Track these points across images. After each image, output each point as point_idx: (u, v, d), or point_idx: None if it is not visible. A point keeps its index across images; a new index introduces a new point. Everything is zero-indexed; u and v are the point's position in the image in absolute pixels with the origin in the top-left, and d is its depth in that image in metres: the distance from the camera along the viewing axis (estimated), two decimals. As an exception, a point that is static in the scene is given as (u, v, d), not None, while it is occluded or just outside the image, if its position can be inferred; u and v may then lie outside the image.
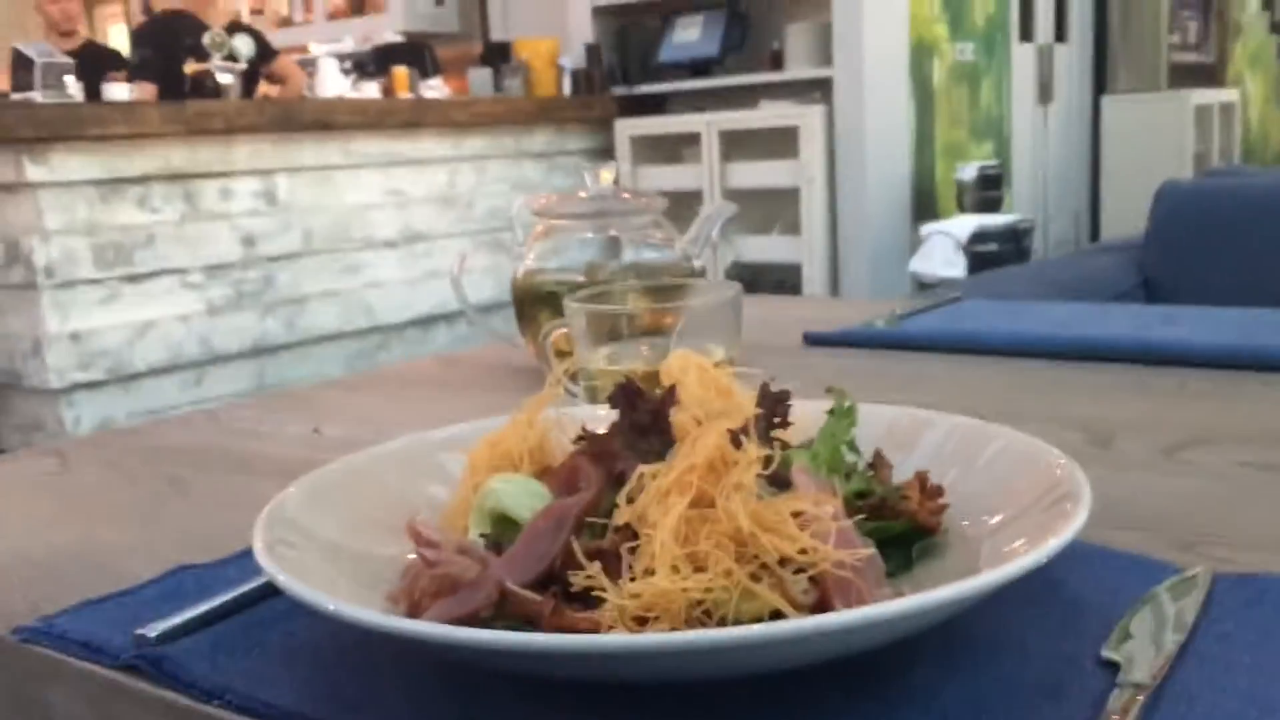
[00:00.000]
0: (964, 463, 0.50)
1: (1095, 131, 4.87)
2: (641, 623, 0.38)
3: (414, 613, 0.41)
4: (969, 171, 3.92)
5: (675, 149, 4.38)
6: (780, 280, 4.26)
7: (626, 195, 0.93)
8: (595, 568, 0.39)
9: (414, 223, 3.94)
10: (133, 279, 3.20)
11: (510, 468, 0.47)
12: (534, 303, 0.89)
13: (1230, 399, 0.74)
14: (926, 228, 3.33)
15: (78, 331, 3.08)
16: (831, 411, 0.48)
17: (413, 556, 0.44)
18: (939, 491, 0.48)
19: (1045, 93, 4.72)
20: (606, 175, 0.92)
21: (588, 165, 0.91)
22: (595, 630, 0.37)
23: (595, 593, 0.38)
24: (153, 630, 0.45)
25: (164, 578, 0.51)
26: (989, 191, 3.89)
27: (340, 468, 0.51)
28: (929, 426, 0.53)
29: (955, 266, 2.89)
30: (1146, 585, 0.45)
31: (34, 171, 2.98)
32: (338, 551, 0.46)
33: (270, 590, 0.46)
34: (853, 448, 0.48)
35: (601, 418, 0.48)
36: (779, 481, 0.43)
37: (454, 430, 0.54)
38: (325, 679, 0.42)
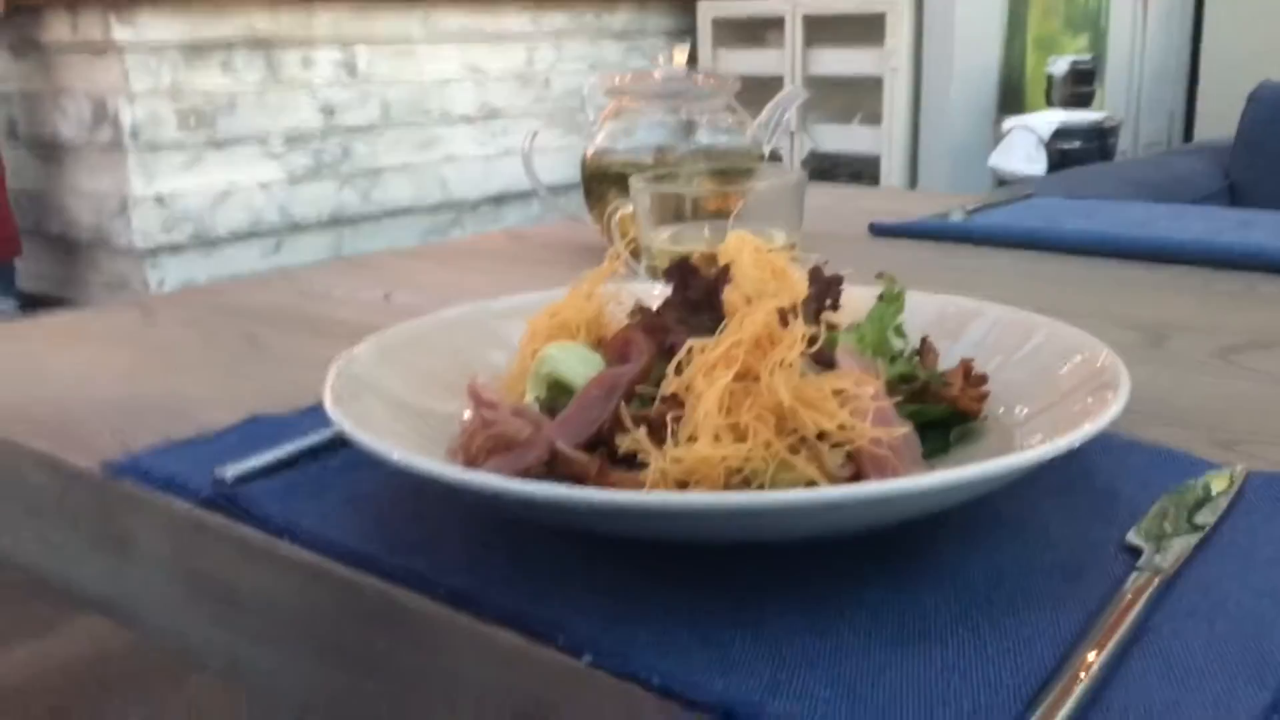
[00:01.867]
0: (1008, 352, 0.51)
1: (1197, 26, 4.67)
2: (683, 486, 0.40)
3: (471, 467, 0.44)
4: (1060, 65, 3.80)
5: (757, 32, 4.29)
6: (858, 171, 4.20)
7: (699, 77, 0.93)
8: (641, 433, 0.41)
9: (491, 99, 3.93)
10: (215, 144, 3.25)
11: (567, 336, 0.49)
12: (602, 182, 0.90)
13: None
14: (1009, 122, 3.25)
15: (161, 194, 3.15)
16: (881, 296, 0.49)
17: (471, 415, 0.47)
18: (982, 379, 0.49)
19: (1147, -15, 4.53)
20: (679, 56, 0.92)
21: (664, 46, 0.91)
22: (637, 490, 0.40)
23: (640, 456, 0.40)
24: (229, 471, 0.48)
25: (241, 425, 0.55)
26: (1080, 87, 3.77)
27: (407, 329, 0.53)
28: (977, 316, 0.54)
29: (1036, 163, 2.83)
30: (1180, 479, 0.47)
31: (120, 32, 3.02)
32: (402, 407, 0.48)
33: (338, 441, 0.49)
34: (899, 333, 0.49)
35: (657, 293, 0.50)
36: (824, 360, 0.44)
37: (517, 300, 0.56)
38: (384, 523, 0.45)
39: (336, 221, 3.58)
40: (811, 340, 0.43)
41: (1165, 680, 0.34)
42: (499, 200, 3.98)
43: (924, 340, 0.51)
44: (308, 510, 0.46)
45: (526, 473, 0.42)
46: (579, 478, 0.41)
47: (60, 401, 0.60)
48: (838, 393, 0.41)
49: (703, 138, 0.90)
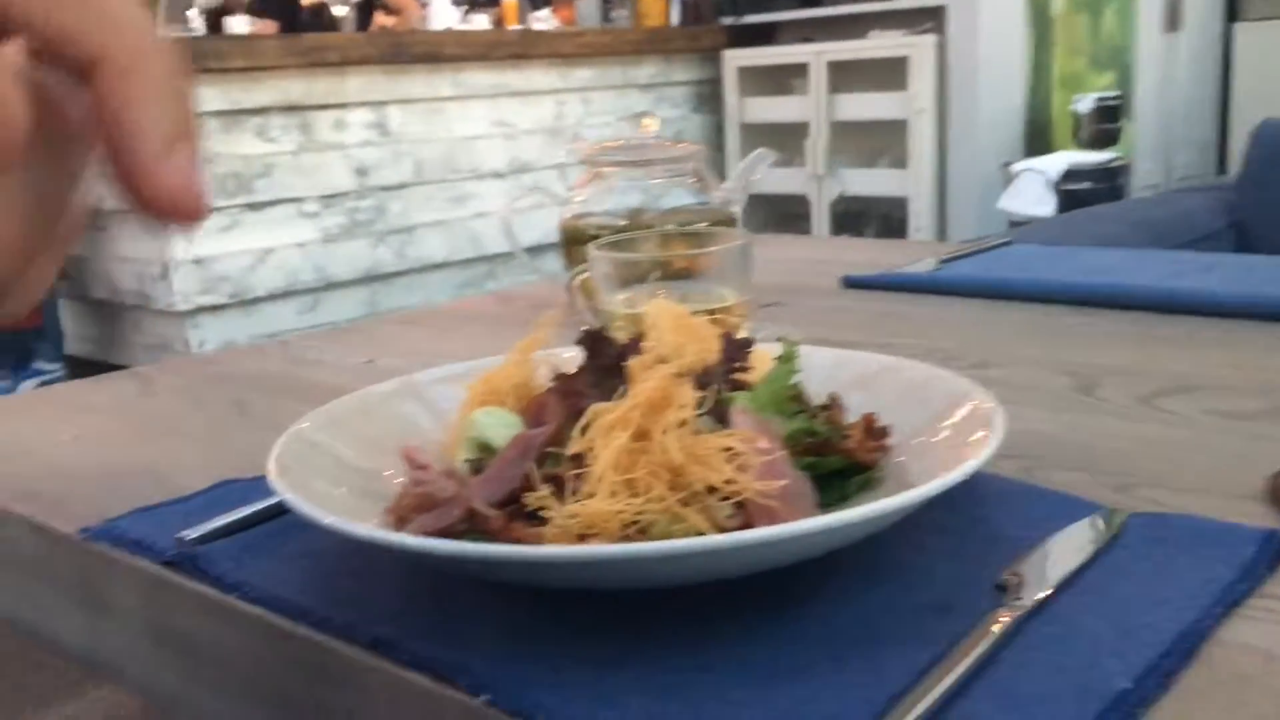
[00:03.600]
0: (911, 403, 0.55)
1: (1226, 61, 4.67)
2: (583, 539, 0.44)
3: (400, 526, 0.48)
4: (1086, 103, 3.82)
5: (783, 80, 4.36)
6: (886, 214, 4.24)
7: (668, 144, 0.97)
8: (545, 490, 0.45)
9: (521, 153, 4.02)
10: (252, 207, 3.36)
11: (497, 402, 0.54)
12: (578, 244, 0.94)
13: (1230, 347, 0.76)
14: (1017, 165, 3.28)
15: (201, 257, 3.25)
16: (778, 358, 0.53)
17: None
18: (883, 433, 0.52)
19: (1173, 20, 4.54)
20: (649, 123, 0.97)
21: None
22: (538, 543, 0.43)
23: (542, 512, 0.44)
24: (192, 533, 0.52)
25: (211, 489, 0.59)
26: (1106, 124, 3.79)
27: (349, 401, 0.58)
28: (884, 370, 0.58)
29: (1045, 205, 2.85)
30: (1067, 522, 0.50)
31: (160, 104, 3.13)
32: (345, 472, 0.53)
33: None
34: (796, 391, 0.52)
35: (575, 359, 0.54)
36: (724, 420, 0.48)
37: (456, 367, 0.61)
38: (325, 579, 0.49)
39: (371, 278, 3.67)
40: (703, 402, 0.46)
41: (998, 707, 0.37)
42: (533, 251, 4.05)
43: (831, 396, 0.54)
44: (258, 568, 0.50)
45: (449, 529, 0.46)
46: (491, 533, 0.45)
47: (51, 469, 0.65)
48: (726, 450, 0.45)
49: (671, 200, 0.94)
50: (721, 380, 0.52)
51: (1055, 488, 0.54)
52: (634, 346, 0.50)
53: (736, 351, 0.53)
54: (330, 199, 3.55)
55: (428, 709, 0.41)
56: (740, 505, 0.45)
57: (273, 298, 3.44)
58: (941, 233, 3.97)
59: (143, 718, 1.64)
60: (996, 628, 0.41)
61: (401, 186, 3.73)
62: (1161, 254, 1.06)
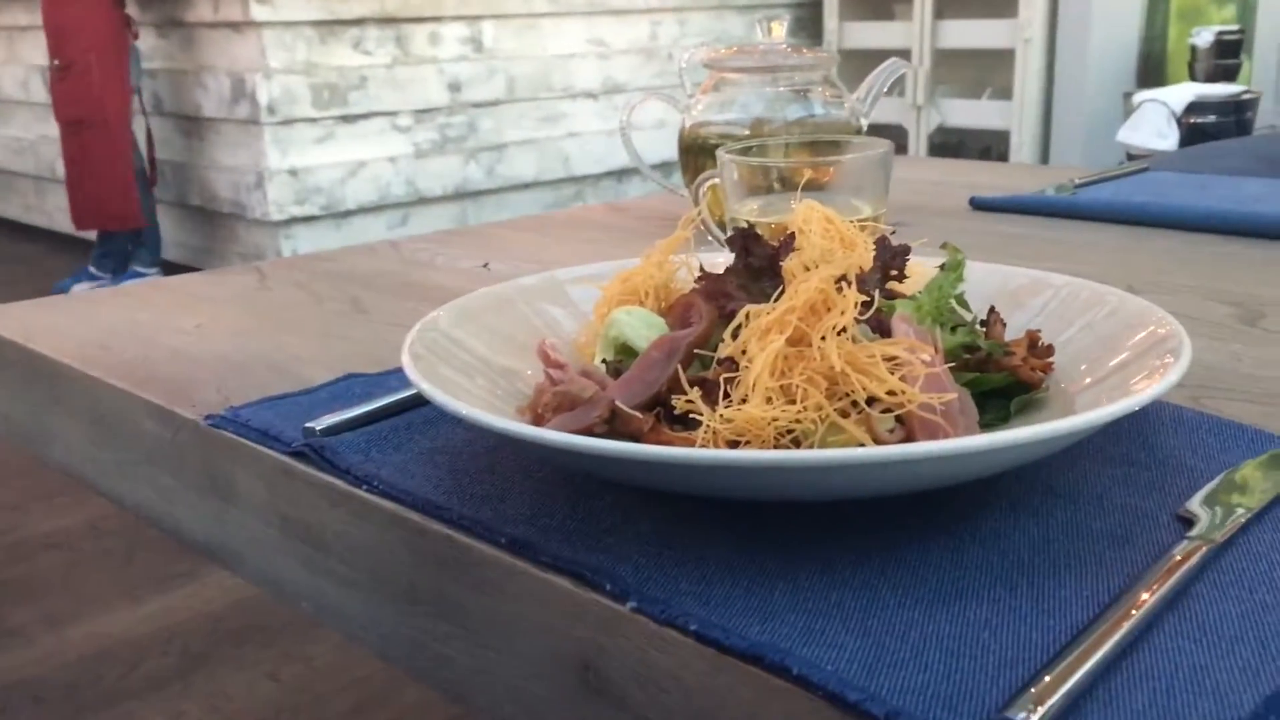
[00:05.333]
0: (1074, 322, 0.51)
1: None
2: (734, 445, 0.42)
3: (537, 424, 0.46)
4: (1204, 36, 3.64)
5: (886, 5, 4.23)
6: (987, 147, 4.11)
7: (797, 51, 0.93)
8: (695, 393, 0.42)
9: (615, 74, 3.96)
10: (346, 119, 3.36)
11: (636, 302, 0.51)
12: (699, 155, 0.91)
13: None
14: (1139, 95, 3.14)
15: (295, 168, 3.27)
16: (942, 267, 0.49)
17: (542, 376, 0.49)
18: (1048, 350, 0.49)
19: (1302, -49, 4.30)
20: (778, 29, 0.92)
21: (788, 20, 0.92)
22: (688, 447, 0.41)
23: (692, 415, 0.42)
24: (319, 424, 0.51)
25: (335, 382, 0.58)
26: (1226, 59, 3.61)
27: (486, 294, 0.56)
28: (1045, 287, 0.54)
29: (1167, 138, 2.73)
30: (1248, 454, 0.46)
31: (259, 10, 3.13)
32: (478, 367, 0.51)
33: (421, 399, 0.52)
34: (961, 302, 0.49)
35: (724, 261, 0.51)
36: (880, 328, 0.45)
37: (591, 268, 0.58)
38: (457, 476, 0.47)
39: (461, 195, 3.67)
40: (865, 307, 0.43)
41: (1196, 645, 0.34)
42: (620, 175, 4.01)
43: (991, 310, 0.51)
44: (388, 461, 0.49)
45: (588, 430, 0.44)
46: (634, 435, 0.43)
47: (174, 356, 0.65)
48: (889, 359, 0.42)
49: (798, 110, 0.90)
50: (877, 287, 0.49)
51: (1224, 417, 0.50)
52: (788, 248, 0.48)
53: (892, 258, 0.50)
54: (423, 114, 3.53)
55: (569, 613, 0.39)
56: (900, 419, 0.42)
57: (363, 211, 3.45)
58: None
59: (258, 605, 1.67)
60: (1186, 560, 0.38)
61: (494, 103, 3.70)
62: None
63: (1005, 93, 3.94)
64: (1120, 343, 0.48)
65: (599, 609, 0.38)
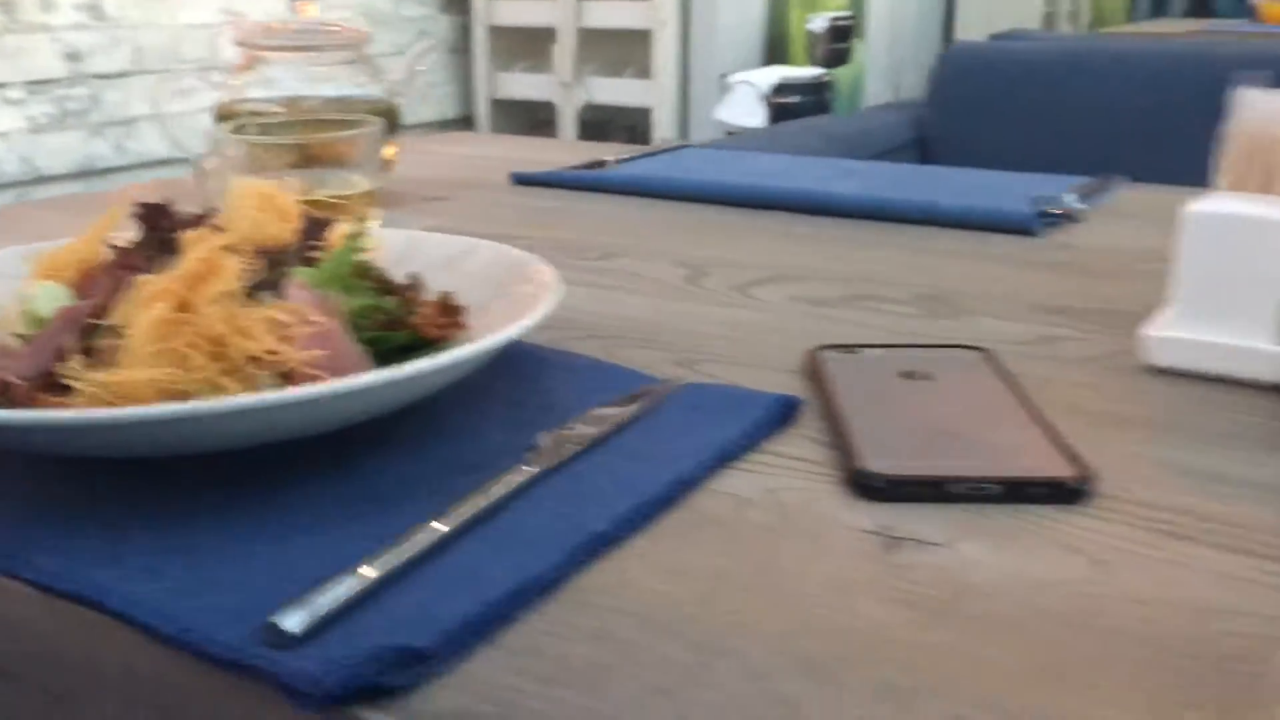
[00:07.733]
0: (487, 281, 0.57)
1: (951, -16, 4.92)
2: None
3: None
4: (819, 22, 3.95)
5: (531, -17, 4.30)
6: (632, 124, 4.28)
7: (332, 29, 0.96)
8: (75, 360, 0.45)
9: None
10: (-55, 92, 3.07)
11: (60, 278, 0.52)
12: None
13: (831, 243, 0.83)
14: (733, 77, 3.42)
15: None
16: (345, 235, 0.54)
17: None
18: (456, 310, 0.54)
19: (906, -56, 4.73)
20: (312, 8, 0.95)
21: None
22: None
23: (72, 382, 0.44)
24: None
25: None
26: (838, 43, 3.94)
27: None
28: (468, 252, 0.60)
29: (756, 116, 2.98)
30: (620, 392, 0.53)
31: None
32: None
33: None
34: (368, 270, 0.54)
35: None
36: (279, 294, 0.49)
37: (37, 246, 0.59)
38: None
39: (88, 173, 3.44)
40: (252, 274, 0.47)
41: (491, 548, 0.40)
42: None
43: (412, 276, 0.56)
44: None
45: (-12, 401, 0.45)
46: (16, 402, 0.44)
47: None
48: (271, 321, 0.46)
49: (331, 89, 0.93)
50: (298, 258, 0.52)
51: (629, 365, 0.57)
52: (195, 220, 0.50)
53: (316, 231, 0.54)
54: (38, 85, 3.29)
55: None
56: (287, 376, 0.46)
57: (-29, 190, 3.18)
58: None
59: None
60: (509, 484, 0.44)
61: (121, 75, 3.49)
62: (815, 161, 1.13)
63: (646, 72, 4.12)
64: (508, 290, 0.54)
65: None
